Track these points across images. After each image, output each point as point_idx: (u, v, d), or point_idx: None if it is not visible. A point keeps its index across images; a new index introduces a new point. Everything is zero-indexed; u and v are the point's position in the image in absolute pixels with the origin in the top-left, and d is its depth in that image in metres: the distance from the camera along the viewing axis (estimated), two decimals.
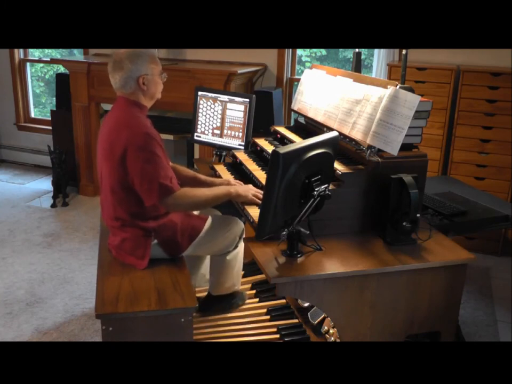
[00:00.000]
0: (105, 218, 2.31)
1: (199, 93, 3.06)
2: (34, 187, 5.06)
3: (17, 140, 5.66)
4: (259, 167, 2.63)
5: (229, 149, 3.00)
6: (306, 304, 2.74)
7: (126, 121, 2.15)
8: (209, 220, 2.40)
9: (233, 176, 2.71)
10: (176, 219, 2.29)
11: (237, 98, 2.97)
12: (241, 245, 2.55)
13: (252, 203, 2.27)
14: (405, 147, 2.14)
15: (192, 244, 2.32)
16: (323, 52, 5.19)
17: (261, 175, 2.48)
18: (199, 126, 3.10)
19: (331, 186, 2.07)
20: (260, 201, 2.24)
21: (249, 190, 2.27)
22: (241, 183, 2.48)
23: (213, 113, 3.03)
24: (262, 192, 2.27)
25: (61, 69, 4.98)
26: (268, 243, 2.02)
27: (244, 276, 2.95)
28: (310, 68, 2.95)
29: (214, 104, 3.02)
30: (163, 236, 2.24)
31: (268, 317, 2.75)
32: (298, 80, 3.96)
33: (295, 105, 2.96)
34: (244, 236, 2.51)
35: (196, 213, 2.57)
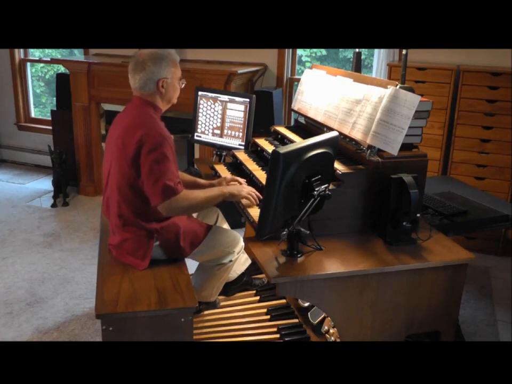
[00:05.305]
0: (109, 216, 2.31)
1: (199, 93, 3.06)
2: (35, 187, 5.06)
3: (18, 140, 5.66)
4: (259, 167, 2.63)
5: (229, 149, 3.00)
6: (306, 304, 2.74)
7: (142, 120, 2.16)
8: (213, 230, 2.38)
9: (230, 172, 2.72)
10: (179, 222, 2.29)
11: (237, 98, 2.97)
12: (236, 261, 2.52)
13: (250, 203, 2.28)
14: (405, 147, 2.14)
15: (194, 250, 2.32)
16: (323, 51, 5.20)
17: (261, 175, 2.48)
18: (199, 126, 3.10)
19: (331, 186, 2.07)
20: (253, 200, 2.25)
21: (243, 189, 2.28)
22: (238, 179, 2.48)
23: (213, 113, 3.03)
24: (255, 190, 2.28)
25: (61, 69, 4.98)
26: (268, 243, 2.02)
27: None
28: (310, 68, 2.95)
29: (214, 104, 3.02)
30: (165, 238, 2.24)
31: (268, 316, 2.75)
32: (298, 80, 3.97)
33: (295, 105, 2.97)
34: (240, 253, 2.49)
35: (194, 215, 2.58)
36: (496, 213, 2.55)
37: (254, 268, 2.99)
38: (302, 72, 3.08)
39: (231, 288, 2.85)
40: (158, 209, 2.13)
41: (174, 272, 2.20)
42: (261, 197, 2.23)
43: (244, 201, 2.30)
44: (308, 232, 1.97)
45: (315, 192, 1.88)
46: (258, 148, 2.83)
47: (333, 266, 1.94)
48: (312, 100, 2.77)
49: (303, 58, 5.07)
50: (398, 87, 2.15)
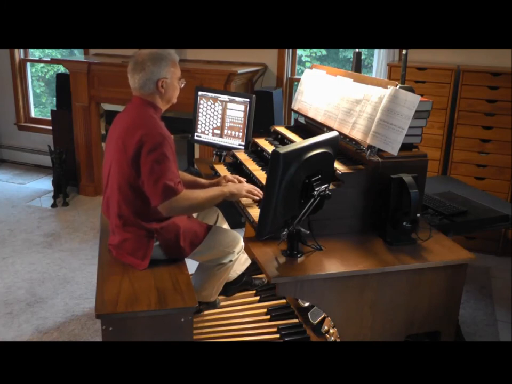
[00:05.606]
0: (109, 216, 2.31)
1: (199, 93, 3.06)
2: (35, 187, 5.06)
3: (18, 140, 5.66)
4: (259, 167, 2.63)
5: (229, 149, 3.00)
6: (306, 304, 2.74)
7: (142, 120, 2.16)
8: (213, 230, 2.38)
9: (230, 172, 2.72)
10: (179, 222, 2.29)
11: (237, 98, 2.97)
12: (236, 261, 2.52)
13: (251, 202, 2.28)
14: (405, 147, 2.14)
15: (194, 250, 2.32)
16: (323, 51, 5.20)
17: (261, 175, 2.48)
18: (199, 126, 3.10)
19: (331, 186, 2.07)
20: (254, 197, 2.25)
21: (243, 187, 2.28)
22: (239, 178, 2.48)
23: (213, 113, 3.03)
24: (256, 188, 2.28)
25: (61, 69, 4.98)
26: (268, 243, 2.02)
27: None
28: (310, 67, 2.95)
29: (214, 104, 3.02)
30: (165, 238, 2.24)
31: (268, 316, 2.75)
32: (298, 80, 3.96)
33: (295, 105, 2.97)
34: (240, 253, 2.49)
35: (194, 215, 2.58)
36: (496, 213, 2.54)
37: (254, 267, 2.99)
38: (302, 72, 3.08)
39: (231, 288, 2.86)
40: (159, 209, 2.13)
41: (174, 272, 2.20)
42: (262, 193, 2.24)
43: (244, 200, 2.31)
44: (308, 232, 1.97)
45: (315, 192, 1.88)
46: (258, 148, 2.83)
47: (333, 266, 1.94)
48: (312, 100, 2.77)
49: (303, 58, 5.07)
50: (398, 87, 2.15)
